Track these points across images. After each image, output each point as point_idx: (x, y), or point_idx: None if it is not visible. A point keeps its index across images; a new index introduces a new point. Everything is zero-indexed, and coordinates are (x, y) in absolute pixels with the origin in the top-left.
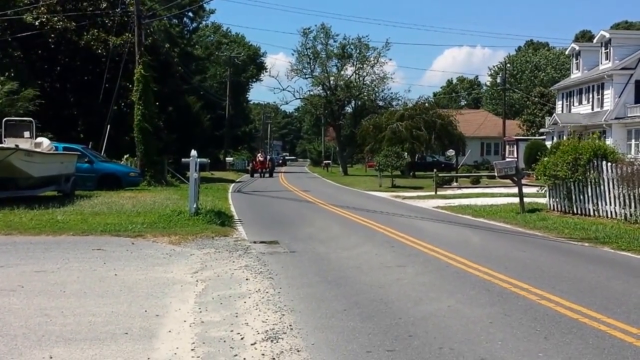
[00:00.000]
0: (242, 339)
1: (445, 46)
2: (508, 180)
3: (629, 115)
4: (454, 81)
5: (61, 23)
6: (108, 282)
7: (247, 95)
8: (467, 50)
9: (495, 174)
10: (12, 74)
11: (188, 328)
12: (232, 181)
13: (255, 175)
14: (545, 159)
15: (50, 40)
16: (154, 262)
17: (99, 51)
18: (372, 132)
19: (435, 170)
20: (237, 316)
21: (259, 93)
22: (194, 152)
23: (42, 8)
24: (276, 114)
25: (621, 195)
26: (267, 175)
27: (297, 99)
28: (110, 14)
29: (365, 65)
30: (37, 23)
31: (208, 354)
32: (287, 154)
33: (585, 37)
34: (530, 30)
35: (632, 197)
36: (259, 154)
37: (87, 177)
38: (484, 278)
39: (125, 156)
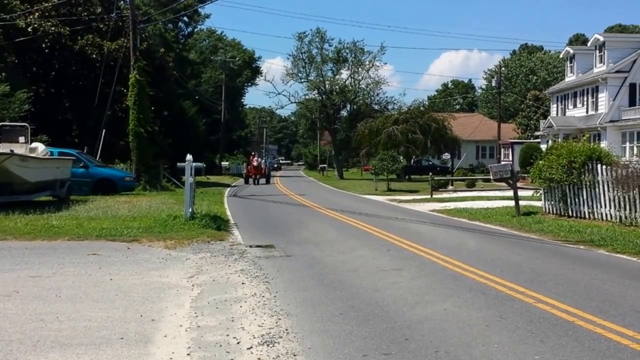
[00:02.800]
0: (238, 343)
1: (440, 49)
2: (503, 184)
3: (623, 118)
4: (449, 85)
5: (54, 28)
6: (103, 286)
7: (243, 100)
8: (463, 54)
9: (491, 177)
10: (7, 79)
11: (184, 332)
12: (228, 185)
13: (250, 181)
14: (541, 162)
15: (44, 45)
16: (150, 267)
17: (94, 56)
18: (368, 136)
19: (430, 173)
20: (233, 320)
21: (254, 97)
22: (189, 157)
23: (37, 13)
24: (272, 118)
25: (616, 197)
26: (262, 181)
27: (292, 103)
28: (105, 18)
29: (360, 69)
30: (30, 29)
31: (204, 359)
32: (283, 157)
33: (579, 40)
34: (525, 34)
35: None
36: (253, 158)
37: (82, 182)
38: (479, 281)
39: (115, 160)
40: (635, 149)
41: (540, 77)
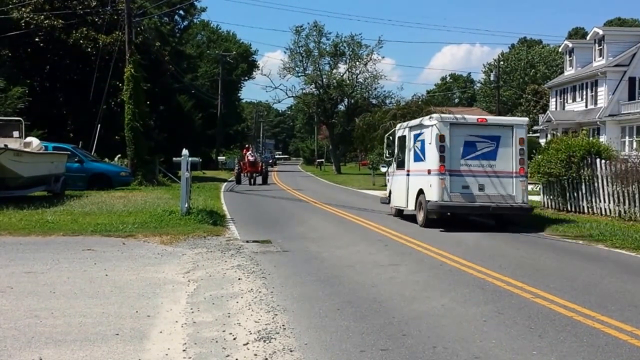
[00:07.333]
0: (234, 339)
1: (438, 43)
2: None
3: (622, 112)
4: (448, 79)
5: (48, 21)
6: (99, 282)
7: (239, 94)
8: (465, 48)
9: None
10: (1, 73)
11: (180, 328)
12: (224, 180)
13: (245, 180)
14: (539, 156)
15: (38, 39)
16: (145, 262)
17: (89, 50)
18: (366, 131)
19: None
20: (229, 316)
21: (251, 92)
22: (185, 151)
23: (30, 7)
24: (268, 113)
25: (615, 192)
26: (259, 181)
27: (289, 97)
28: (100, 12)
29: (358, 63)
30: (22, 22)
31: (200, 355)
32: (280, 152)
33: (578, 34)
34: (524, 27)
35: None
36: (247, 153)
37: (77, 177)
38: (477, 276)
39: (117, 156)
40: (634, 143)
41: (540, 71)
